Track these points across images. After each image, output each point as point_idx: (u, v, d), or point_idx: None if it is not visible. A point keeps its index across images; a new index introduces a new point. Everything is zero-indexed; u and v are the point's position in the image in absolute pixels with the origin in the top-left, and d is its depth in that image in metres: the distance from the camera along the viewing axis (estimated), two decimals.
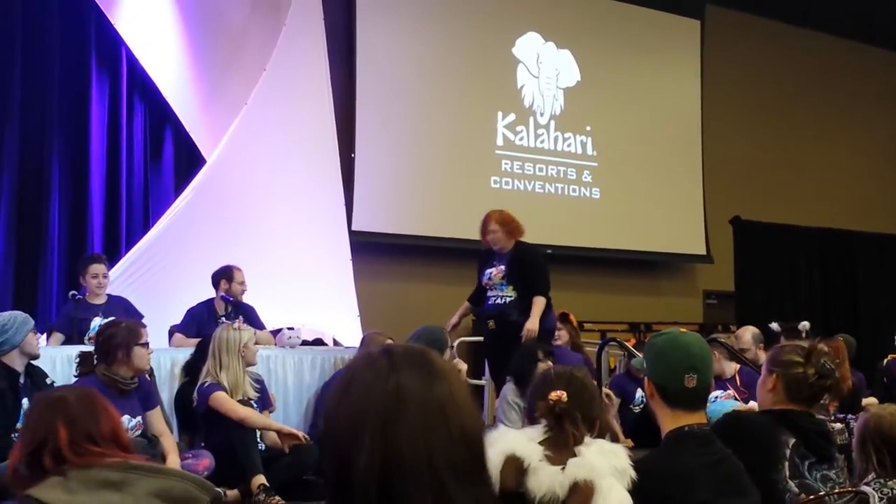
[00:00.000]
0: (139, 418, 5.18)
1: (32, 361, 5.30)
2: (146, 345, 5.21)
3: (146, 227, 8.23)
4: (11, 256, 7.86)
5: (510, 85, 11.05)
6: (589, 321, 10.69)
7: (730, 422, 3.13)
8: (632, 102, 11.81)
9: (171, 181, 8.68)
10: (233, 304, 7.01)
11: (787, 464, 3.05)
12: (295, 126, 8.54)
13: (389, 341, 6.31)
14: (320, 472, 5.73)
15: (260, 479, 5.31)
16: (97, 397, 2.52)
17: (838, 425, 6.50)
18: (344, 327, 8.28)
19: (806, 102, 13.72)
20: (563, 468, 2.47)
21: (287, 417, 6.52)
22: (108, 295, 6.76)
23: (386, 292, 9.62)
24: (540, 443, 2.55)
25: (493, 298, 7.18)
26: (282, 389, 6.62)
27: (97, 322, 6.38)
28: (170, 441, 5.30)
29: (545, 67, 11.29)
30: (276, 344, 6.97)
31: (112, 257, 8.05)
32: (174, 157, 8.74)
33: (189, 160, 8.61)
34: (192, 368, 6.17)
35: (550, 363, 6.20)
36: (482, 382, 8.15)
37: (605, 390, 6.03)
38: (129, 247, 8.07)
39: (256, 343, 6.01)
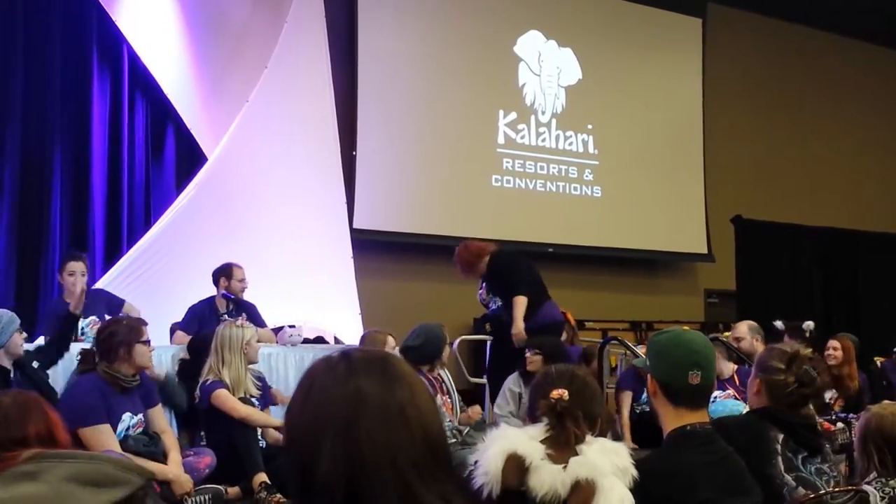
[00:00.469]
0: (140, 416, 5.18)
1: None
2: (147, 342, 5.20)
3: (147, 225, 8.22)
4: (13, 253, 7.86)
5: (511, 83, 11.05)
6: (590, 320, 10.70)
7: (714, 426, 3.15)
8: (633, 101, 11.81)
9: (172, 178, 8.68)
10: (234, 301, 7.00)
11: (779, 458, 3.09)
12: (296, 124, 8.54)
13: (390, 338, 6.32)
14: None
15: (261, 477, 5.32)
16: (33, 402, 2.55)
17: (840, 424, 6.52)
18: (345, 325, 8.28)
19: (808, 101, 13.72)
20: (565, 467, 2.47)
21: None
22: (89, 288, 6.64)
23: (387, 290, 9.63)
24: (541, 441, 2.54)
25: (492, 305, 7.39)
26: (283, 387, 6.61)
27: (82, 321, 6.34)
28: (171, 438, 5.30)
29: (546, 65, 11.29)
30: (277, 341, 6.97)
31: (113, 254, 8.08)
32: (175, 155, 8.74)
33: (190, 158, 8.61)
34: (187, 368, 6.17)
35: (539, 358, 6.22)
36: (482, 381, 8.15)
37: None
38: (130, 244, 8.06)
39: (258, 341, 6.01)
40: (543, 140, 11.23)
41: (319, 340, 7.69)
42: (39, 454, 2.29)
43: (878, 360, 8.23)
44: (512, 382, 6.48)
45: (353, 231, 9.13)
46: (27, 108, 7.99)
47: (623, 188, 11.64)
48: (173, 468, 5.00)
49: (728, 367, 6.89)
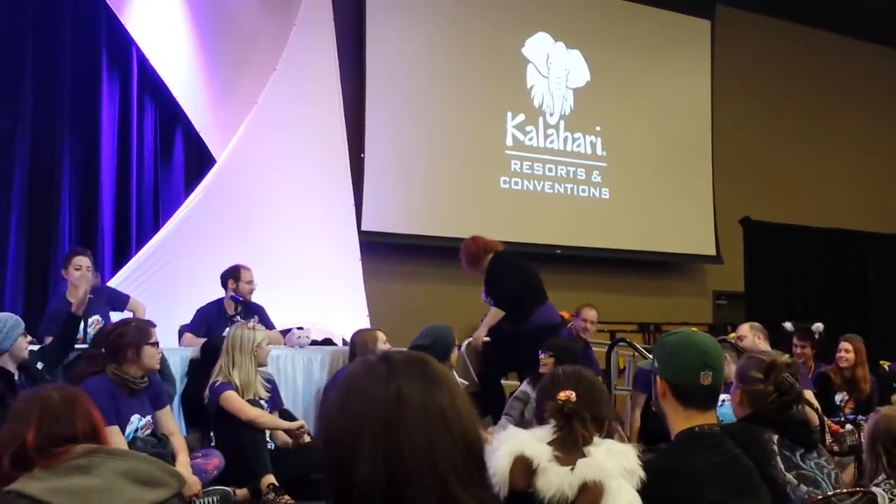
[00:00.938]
0: (149, 417, 5.19)
1: None
2: (156, 344, 5.22)
3: (156, 227, 8.24)
4: (22, 255, 7.88)
5: (520, 85, 11.05)
6: (598, 321, 10.68)
7: None
8: (641, 102, 11.80)
9: (181, 181, 8.69)
10: (242, 303, 7.01)
11: (778, 458, 3.12)
12: (305, 126, 8.55)
13: (380, 333, 6.32)
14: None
15: (269, 479, 5.33)
16: (79, 399, 2.55)
17: (849, 426, 6.50)
18: (353, 327, 8.25)
19: (816, 102, 13.69)
20: (573, 468, 2.47)
21: (296, 417, 6.52)
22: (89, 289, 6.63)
23: (395, 292, 9.63)
24: (549, 443, 2.55)
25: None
26: (291, 389, 6.63)
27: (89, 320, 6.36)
28: (180, 440, 5.31)
29: (555, 67, 11.29)
30: (285, 343, 6.98)
31: (122, 257, 8.09)
32: (184, 157, 8.75)
33: (199, 160, 8.62)
34: (197, 368, 6.18)
35: (552, 360, 6.22)
36: None
37: None
38: (139, 246, 8.08)
39: (269, 343, 6.02)
40: (552, 142, 11.23)
41: (328, 342, 7.70)
42: (93, 450, 2.35)
43: (885, 364, 8.19)
44: (521, 388, 6.49)
45: (361, 233, 9.14)
46: (37, 110, 8.01)
47: (631, 190, 11.63)
48: (182, 470, 5.01)
49: (733, 371, 6.88)
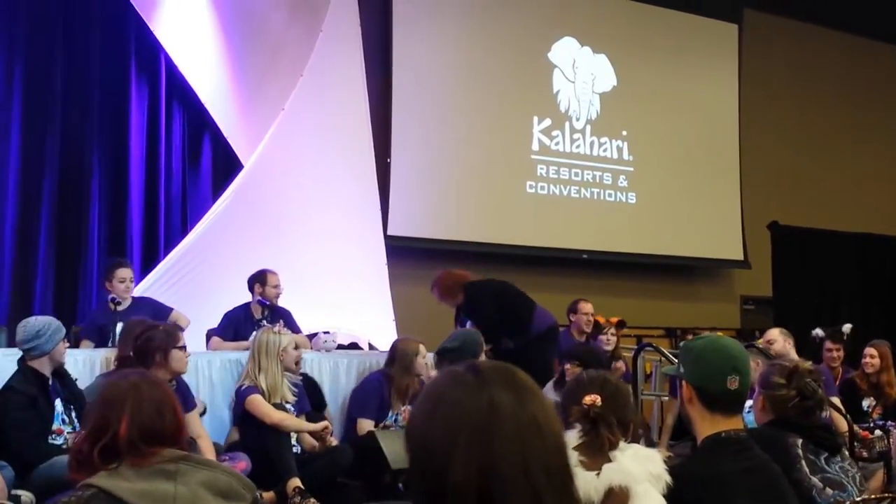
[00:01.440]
0: None
1: None
2: (184, 348, 5.25)
3: (184, 232, 8.30)
4: (52, 259, 7.96)
5: (546, 90, 11.04)
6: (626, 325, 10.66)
7: None
8: (668, 107, 11.76)
9: (209, 186, 8.75)
10: (269, 307, 7.04)
11: (803, 462, 3.11)
12: (331, 131, 8.59)
13: (422, 347, 6.32)
14: (354, 474, 5.76)
15: (295, 482, 5.35)
16: (168, 392, 2.51)
17: (878, 432, 6.45)
18: (379, 331, 8.31)
19: (845, 107, 13.59)
20: (599, 473, 2.46)
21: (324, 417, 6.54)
22: (132, 297, 6.76)
23: (421, 297, 9.59)
24: (575, 448, 2.54)
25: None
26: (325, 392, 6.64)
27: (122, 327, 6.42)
28: (207, 443, 5.34)
29: (581, 72, 11.28)
30: (311, 347, 6.99)
31: (150, 261, 8.15)
32: (212, 162, 8.81)
33: (227, 165, 8.68)
34: None
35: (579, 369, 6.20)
36: None
37: None
38: (167, 251, 8.14)
39: (296, 348, 6.03)
40: (578, 146, 11.22)
41: (354, 347, 7.72)
42: (182, 457, 2.33)
43: None
44: (549, 390, 6.48)
45: (388, 238, 9.16)
46: (66, 116, 8.10)
47: (658, 194, 11.59)
48: None
49: None
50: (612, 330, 7.96)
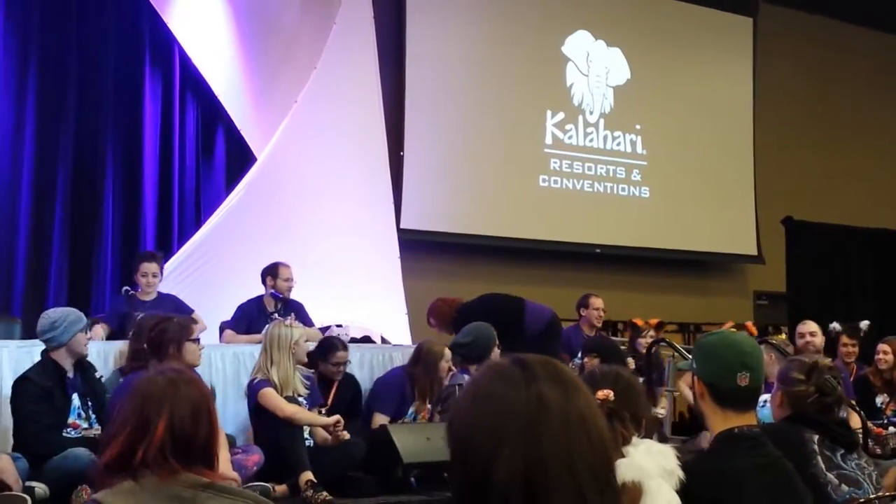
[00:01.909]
0: None
1: None
2: (197, 340, 5.27)
3: (198, 224, 8.32)
4: (66, 252, 7.99)
5: (559, 83, 11.01)
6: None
7: None
8: (682, 101, 11.72)
9: (222, 178, 8.76)
10: (282, 300, 7.05)
11: (819, 458, 3.11)
12: (344, 124, 8.60)
13: (447, 351, 6.32)
14: (367, 468, 5.77)
15: (307, 475, 5.35)
16: (205, 392, 2.38)
17: (892, 429, 6.43)
18: (392, 325, 8.31)
19: (860, 102, 13.52)
20: None
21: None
22: (158, 292, 6.81)
23: (433, 290, 9.59)
24: None
25: None
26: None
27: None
28: (220, 436, 5.35)
29: (595, 65, 11.24)
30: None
31: (164, 254, 8.15)
32: (226, 155, 8.83)
33: (240, 158, 8.69)
34: None
35: (597, 360, 6.19)
36: None
37: None
38: (181, 243, 8.16)
39: (307, 340, 6.04)
40: (591, 140, 11.19)
41: (366, 340, 7.73)
42: (206, 485, 2.20)
43: None
44: None
45: (401, 231, 9.16)
46: (80, 108, 8.12)
47: (671, 189, 11.56)
48: (222, 466, 5.03)
49: (776, 371, 6.82)
50: (651, 332, 7.82)
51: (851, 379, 7.41)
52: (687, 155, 11.68)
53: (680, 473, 2.48)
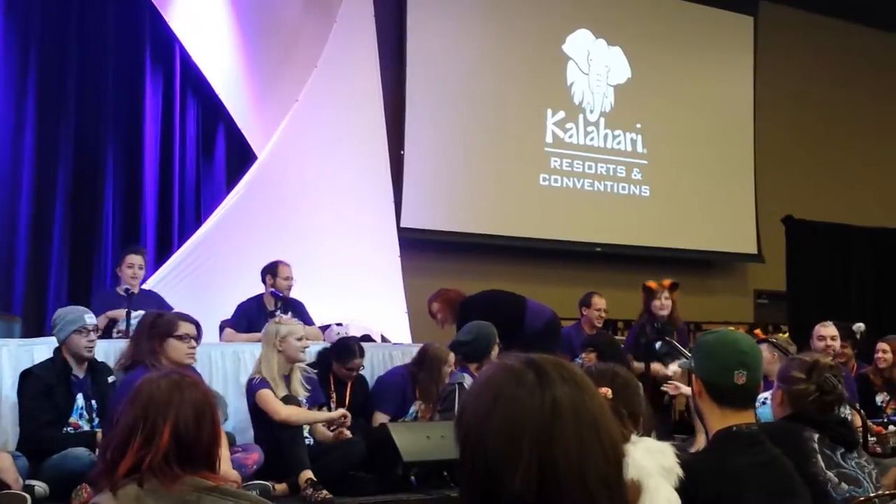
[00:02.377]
0: None
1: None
2: (182, 337, 5.14)
3: (198, 223, 8.32)
4: (66, 250, 7.99)
5: (560, 82, 11.01)
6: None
7: None
8: (683, 100, 11.72)
9: (223, 177, 8.77)
10: (282, 299, 7.05)
11: (819, 457, 3.11)
12: (345, 123, 8.60)
13: (452, 357, 6.31)
14: (367, 467, 5.76)
15: (307, 474, 5.35)
16: (208, 393, 2.38)
17: (892, 427, 6.43)
18: (392, 324, 8.31)
19: (861, 100, 13.51)
20: None
21: None
22: (140, 289, 6.78)
23: (433, 289, 9.60)
24: None
25: None
26: None
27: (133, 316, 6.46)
28: (221, 435, 5.33)
29: (595, 64, 11.24)
30: (324, 339, 7.01)
31: (164, 252, 8.18)
32: (226, 154, 8.83)
33: (241, 156, 8.69)
34: None
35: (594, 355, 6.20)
36: None
37: None
38: (181, 242, 8.16)
39: (305, 339, 6.00)
40: (592, 139, 11.19)
41: (366, 339, 7.71)
42: (209, 489, 2.21)
43: None
44: None
45: (401, 230, 9.16)
46: (80, 106, 8.12)
47: (672, 188, 11.56)
48: (222, 465, 5.01)
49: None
50: (666, 294, 7.53)
51: (853, 376, 7.41)
52: (687, 154, 11.68)
53: (679, 471, 2.48)
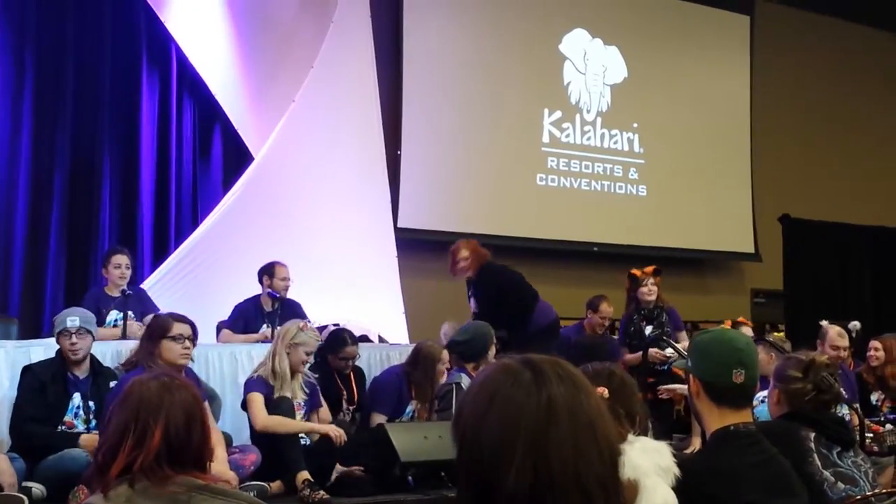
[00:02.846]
0: None
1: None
2: (176, 338, 5.10)
3: (195, 224, 8.32)
4: (63, 252, 7.99)
5: (557, 82, 11.02)
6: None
7: None
8: (680, 99, 11.73)
9: (219, 178, 8.77)
10: (278, 300, 7.04)
11: (815, 455, 3.10)
12: (342, 123, 8.59)
13: (445, 355, 6.30)
14: (364, 467, 5.75)
15: (304, 475, 5.33)
16: (197, 396, 2.38)
17: (889, 426, 6.43)
18: (389, 324, 8.31)
19: (857, 99, 13.52)
20: None
21: None
22: (129, 288, 6.70)
23: (431, 289, 9.63)
24: None
25: None
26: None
27: (114, 315, 6.45)
28: (217, 435, 5.32)
29: (592, 64, 11.24)
30: (321, 340, 6.98)
31: (161, 253, 8.18)
32: (223, 154, 8.83)
33: (237, 157, 8.69)
34: None
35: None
36: None
37: None
38: (178, 243, 8.16)
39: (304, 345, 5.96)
40: (588, 139, 11.19)
41: (364, 339, 7.72)
42: (200, 487, 2.21)
43: None
44: None
45: (398, 230, 9.16)
46: (77, 108, 8.12)
47: (669, 187, 11.57)
48: (218, 465, 5.01)
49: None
50: (650, 280, 7.72)
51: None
52: (684, 153, 11.69)
53: (676, 471, 2.47)
